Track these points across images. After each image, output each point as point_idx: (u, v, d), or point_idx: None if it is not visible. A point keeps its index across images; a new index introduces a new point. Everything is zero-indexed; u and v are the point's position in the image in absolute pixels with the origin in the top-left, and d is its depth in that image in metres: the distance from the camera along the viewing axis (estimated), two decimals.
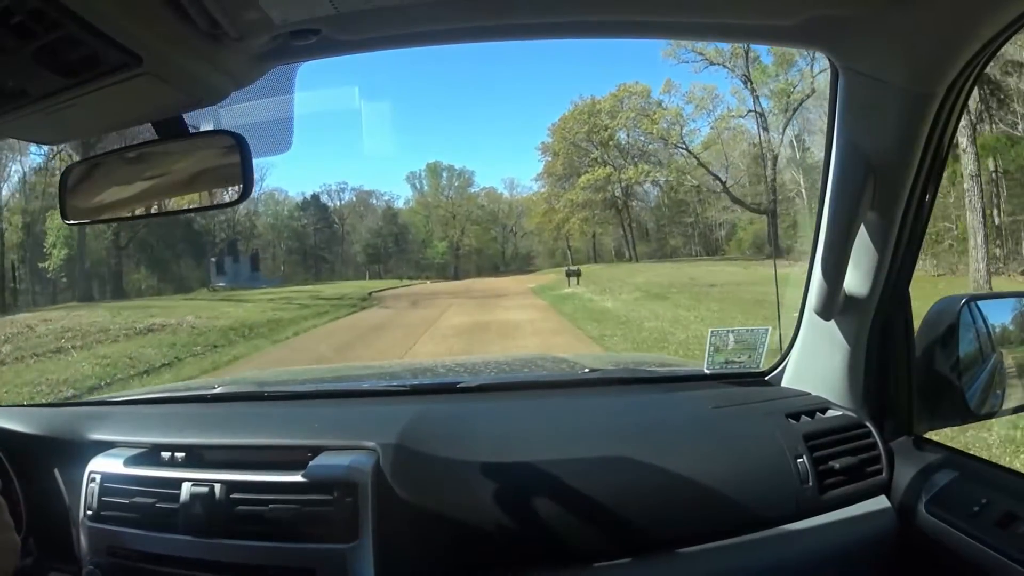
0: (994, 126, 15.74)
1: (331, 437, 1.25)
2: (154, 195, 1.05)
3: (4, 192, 23.13)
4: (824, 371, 1.41)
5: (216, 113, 1.03)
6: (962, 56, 1.01)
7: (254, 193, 1.01)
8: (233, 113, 1.05)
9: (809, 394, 1.44)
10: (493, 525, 1.15)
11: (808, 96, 23.43)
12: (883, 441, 1.31)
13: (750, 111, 26.30)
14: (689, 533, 1.18)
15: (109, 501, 1.22)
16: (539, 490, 1.16)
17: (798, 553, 1.20)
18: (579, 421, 1.37)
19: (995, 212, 15.92)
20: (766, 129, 25.75)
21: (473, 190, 36.35)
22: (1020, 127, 15.67)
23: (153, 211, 1.07)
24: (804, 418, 1.35)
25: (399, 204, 36.83)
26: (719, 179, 28.94)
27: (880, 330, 1.30)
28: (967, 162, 13.43)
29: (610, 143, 30.47)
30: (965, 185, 13.57)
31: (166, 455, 1.25)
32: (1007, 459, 3.78)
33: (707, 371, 1.57)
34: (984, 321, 1.31)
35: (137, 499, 1.20)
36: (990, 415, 1.31)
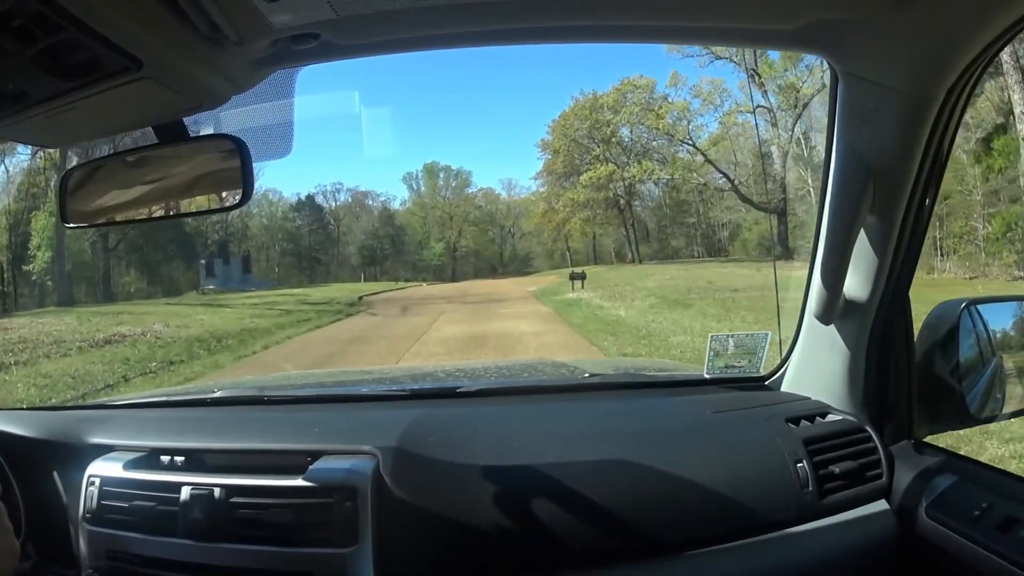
0: None
1: (331, 441, 1.25)
2: (154, 199, 1.05)
3: None
4: (824, 375, 1.40)
5: (216, 117, 1.03)
6: (961, 60, 1.01)
7: None
8: (233, 117, 1.05)
9: (809, 398, 1.44)
10: (493, 530, 1.14)
11: (817, 92, 22.66)
12: (883, 445, 1.31)
13: (759, 106, 25.49)
14: (689, 538, 1.17)
15: (108, 505, 1.22)
16: (539, 495, 1.16)
17: (798, 557, 1.19)
18: (579, 426, 1.37)
19: None
20: (775, 125, 24.77)
21: (470, 191, 36.07)
22: None
23: (153, 215, 1.07)
24: (804, 422, 1.34)
25: (395, 205, 36.54)
26: (727, 177, 27.88)
27: (880, 334, 1.30)
28: None
29: (612, 139, 29.49)
30: None
31: (165, 459, 1.25)
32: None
33: (707, 376, 1.57)
34: (984, 325, 1.31)
35: (136, 503, 1.20)
36: (990, 419, 1.31)
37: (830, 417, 1.37)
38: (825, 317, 1.33)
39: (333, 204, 35.60)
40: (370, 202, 36.23)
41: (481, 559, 1.15)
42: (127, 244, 26.22)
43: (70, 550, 1.26)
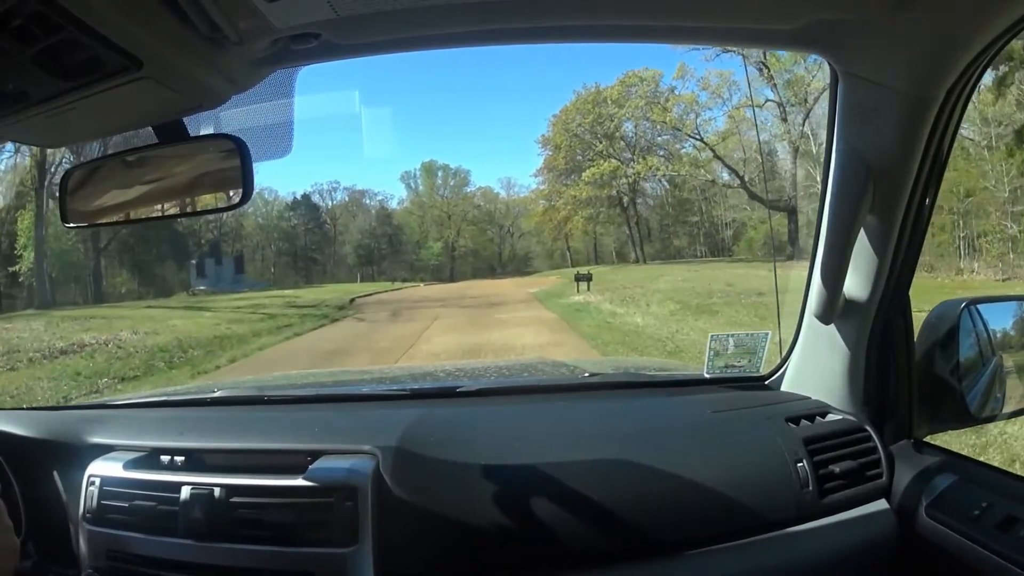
0: None
1: (331, 441, 1.25)
2: (154, 199, 1.05)
3: None
4: (824, 375, 1.41)
5: (216, 117, 1.03)
6: (961, 60, 1.01)
7: None
8: (233, 117, 1.05)
9: (809, 398, 1.44)
10: (493, 529, 1.14)
11: (827, 87, 22.07)
12: (883, 445, 1.31)
13: (768, 100, 23.62)
14: (689, 537, 1.17)
15: (108, 505, 1.22)
16: (539, 494, 1.16)
17: (798, 557, 1.19)
18: (579, 425, 1.37)
19: None
20: (784, 120, 23.36)
21: (469, 190, 35.56)
22: None
23: (153, 215, 1.07)
24: (804, 422, 1.34)
25: (393, 204, 35.97)
26: (736, 173, 26.34)
27: (880, 334, 1.30)
28: None
29: (616, 134, 28.27)
30: None
31: (166, 459, 1.25)
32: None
33: (707, 375, 1.57)
34: (984, 325, 1.31)
35: (136, 503, 1.20)
36: (990, 419, 1.31)
37: (830, 417, 1.37)
38: (825, 317, 1.33)
39: (330, 203, 35.15)
40: (367, 201, 35.79)
41: (481, 559, 1.15)
42: (118, 244, 25.63)
43: (70, 550, 1.26)
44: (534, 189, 32.87)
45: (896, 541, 1.23)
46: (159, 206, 1.06)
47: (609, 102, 27.97)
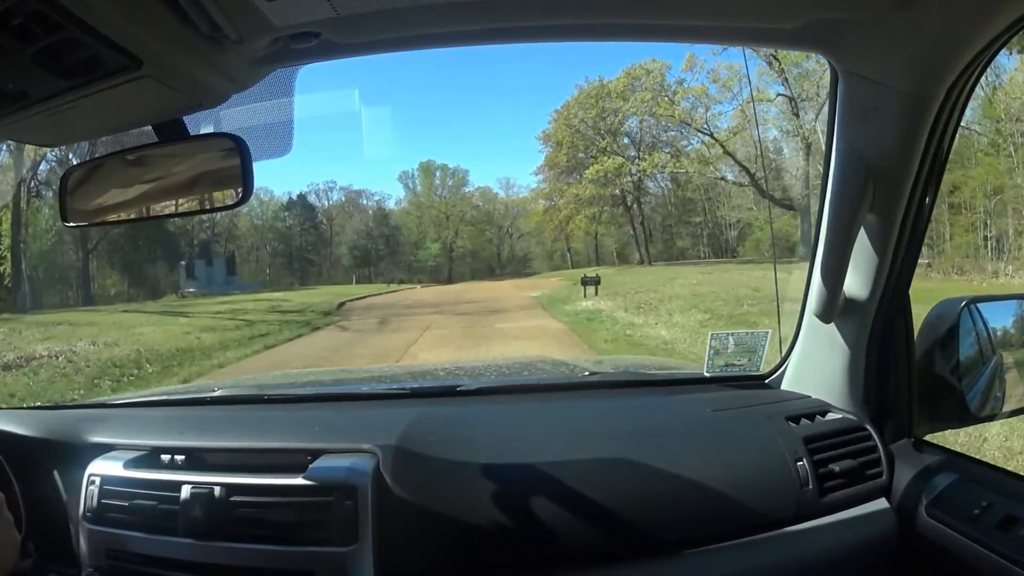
0: None
1: (331, 440, 1.25)
2: (154, 198, 1.05)
3: None
4: (824, 374, 1.41)
5: (216, 116, 1.03)
6: (961, 59, 1.01)
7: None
8: (233, 116, 1.05)
9: (809, 397, 1.44)
10: (493, 528, 1.14)
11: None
12: (883, 444, 1.31)
13: (779, 95, 22.27)
14: (689, 536, 1.18)
15: (109, 504, 1.22)
16: (539, 493, 1.16)
17: (798, 556, 1.19)
18: (579, 424, 1.37)
19: None
20: (796, 115, 21.90)
21: (467, 190, 35.40)
22: None
23: (153, 214, 1.07)
24: (804, 421, 1.35)
25: (390, 204, 35.78)
26: (747, 171, 24.78)
27: (880, 333, 1.30)
28: None
29: (620, 130, 27.09)
30: None
31: (166, 458, 1.25)
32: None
33: (707, 374, 1.57)
34: (984, 323, 1.31)
35: (137, 502, 1.20)
36: (990, 417, 1.31)
37: (830, 415, 1.37)
38: (825, 316, 1.33)
39: (326, 203, 34.88)
40: (364, 201, 35.56)
41: (481, 557, 1.15)
42: (108, 244, 25.18)
43: (70, 549, 1.26)
44: (534, 188, 32.14)
45: (896, 540, 1.23)
46: (159, 205, 1.06)
47: (613, 96, 26.87)
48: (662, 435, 1.34)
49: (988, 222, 17.15)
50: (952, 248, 17.99)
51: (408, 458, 1.20)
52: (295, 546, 1.12)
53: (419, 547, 1.15)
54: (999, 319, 1.34)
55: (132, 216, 1.09)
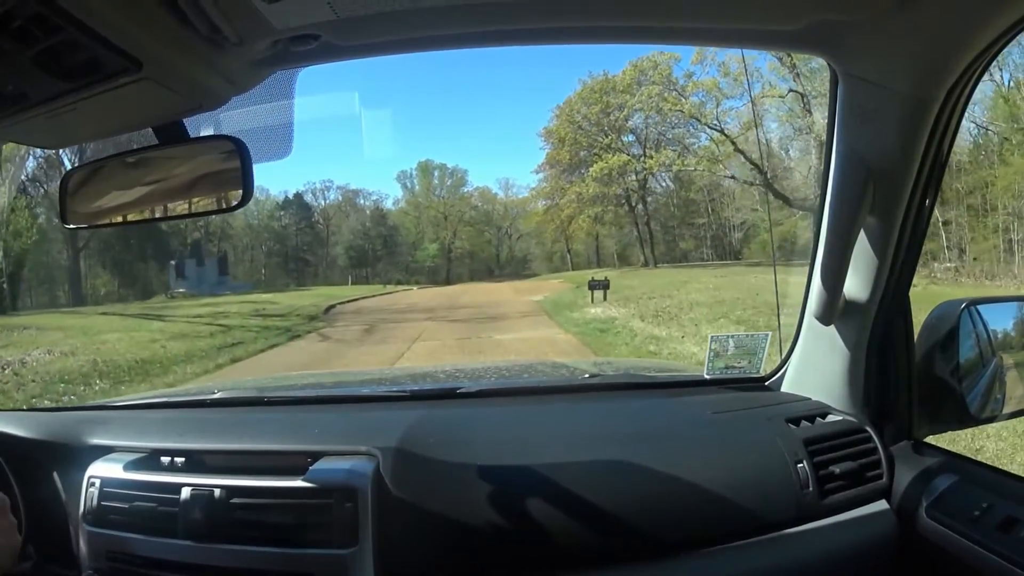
0: None
1: (331, 442, 1.25)
2: (154, 200, 1.05)
3: None
4: (824, 376, 1.41)
5: (216, 118, 1.03)
6: (961, 61, 1.01)
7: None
8: (233, 118, 1.05)
9: (809, 399, 1.44)
10: (493, 530, 1.14)
11: None
12: (883, 445, 1.31)
13: (791, 90, 21.20)
14: (689, 538, 1.17)
15: (109, 506, 1.22)
16: (539, 495, 1.16)
17: (798, 558, 1.19)
18: (579, 426, 1.37)
19: None
20: (809, 112, 20.77)
21: (466, 190, 34.84)
22: None
23: (153, 216, 1.07)
24: (804, 423, 1.34)
25: (388, 204, 35.21)
26: (759, 169, 22.97)
27: (880, 335, 1.30)
28: None
29: (626, 126, 25.72)
30: None
31: (166, 460, 1.25)
32: None
33: (707, 376, 1.56)
34: (984, 325, 1.31)
35: (137, 504, 1.20)
36: (990, 419, 1.31)
37: (830, 417, 1.37)
38: (825, 318, 1.33)
39: (322, 203, 34.32)
40: (361, 201, 35.04)
41: (481, 560, 1.15)
42: (99, 243, 24.47)
43: (70, 551, 1.26)
44: (534, 187, 31.03)
45: (896, 542, 1.22)
46: (159, 207, 1.06)
47: (618, 90, 25.54)
48: (662, 437, 1.34)
49: (1016, 224, 16.76)
50: (979, 251, 17.60)
51: (408, 460, 1.20)
52: (295, 548, 1.12)
53: (419, 549, 1.15)
54: (999, 321, 1.34)
55: (132, 218, 1.09)
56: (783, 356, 1.54)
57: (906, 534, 1.22)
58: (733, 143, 23.66)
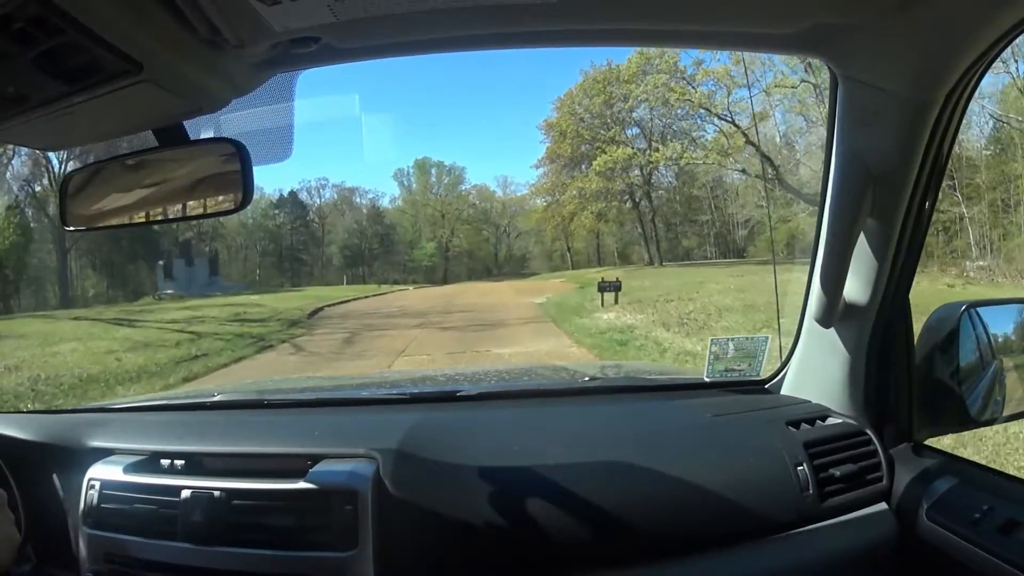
0: None
1: (331, 445, 1.25)
2: (154, 202, 1.05)
3: None
4: (824, 379, 1.41)
5: (216, 120, 1.03)
6: (961, 63, 1.01)
7: None
8: (233, 120, 1.05)
9: (809, 402, 1.44)
10: (493, 533, 1.14)
11: None
12: (883, 448, 1.31)
13: (803, 81, 20.58)
14: (689, 541, 1.17)
15: (108, 508, 1.22)
16: (539, 498, 1.16)
17: (798, 560, 1.19)
18: (579, 429, 1.37)
19: None
20: (824, 102, 19.10)
21: (464, 188, 34.52)
22: None
23: (153, 218, 1.07)
24: (804, 426, 1.34)
25: (384, 202, 34.85)
26: (771, 162, 21.84)
27: (880, 337, 1.30)
28: None
29: (631, 118, 24.60)
30: None
31: (165, 462, 1.25)
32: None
33: (707, 379, 1.57)
34: (984, 328, 1.30)
35: (136, 506, 1.20)
36: (990, 422, 1.31)
37: (830, 420, 1.37)
38: (825, 320, 1.33)
39: (318, 201, 33.90)
40: (358, 199, 34.66)
41: (481, 562, 1.15)
42: (88, 243, 24.06)
43: (70, 553, 1.26)
44: (534, 183, 29.69)
45: (896, 544, 1.23)
46: (159, 210, 1.06)
47: (622, 80, 24.25)
48: (662, 440, 1.34)
49: None
50: (1010, 249, 17.29)
51: (408, 463, 1.20)
52: (295, 551, 1.12)
53: (419, 552, 1.15)
54: (999, 324, 1.34)
55: (132, 220, 1.09)
56: (783, 359, 1.54)
57: (906, 537, 1.22)
58: (744, 135, 22.77)
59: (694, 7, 0.99)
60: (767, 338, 1.56)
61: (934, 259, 17.39)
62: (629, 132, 25.37)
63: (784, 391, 1.52)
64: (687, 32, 1.10)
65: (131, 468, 1.25)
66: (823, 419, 1.37)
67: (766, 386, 1.56)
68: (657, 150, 24.61)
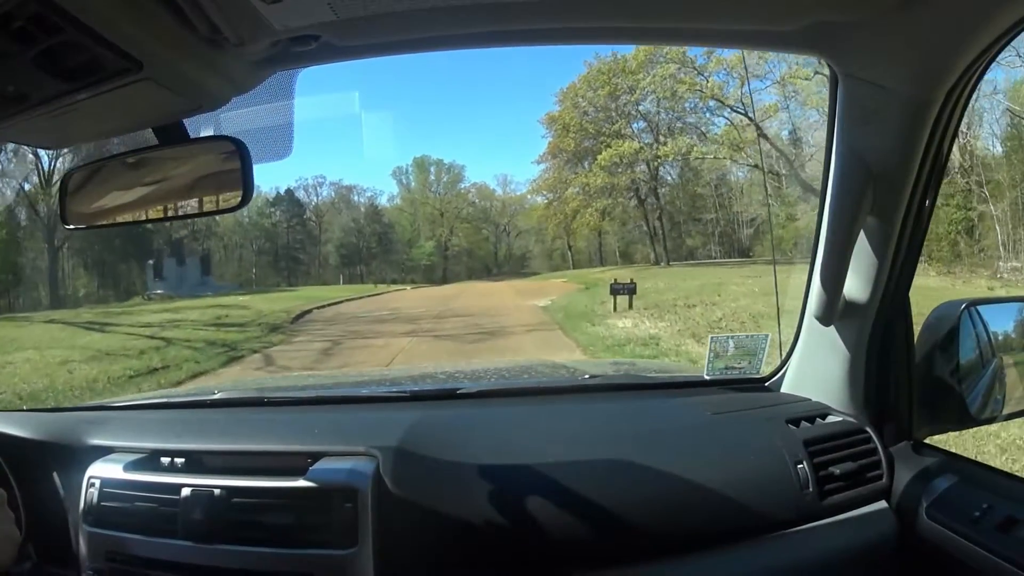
0: None
1: (331, 443, 1.25)
2: (154, 200, 1.05)
3: None
4: (824, 377, 1.41)
5: (216, 118, 1.03)
6: (961, 62, 1.01)
7: None
8: (233, 119, 1.05)
9: (809, 400, 1.44)
10: (493, 531, 1.14)
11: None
12: (883, 446, 1.31)
13: (816, 72, 19.12)
14: (688, 539, 1.17)
15: (108, 506, 1.22)
16: (539, 496, 1.16)
17: (798, 558, 1.19)
18: (579, 427, 1.37)
19: None
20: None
21: (463, 186, 34.02)
22: None
23: (153, 216, 1.07)
24: (804, 424, 1.35)
25: (383, 201, 34.40)
26: (786, 157, 21.05)
27: (880, 335, 1.31)
28: None
29: (638, 110, 23.44)
30: None
31: (165, 460, 1.25)
32: None
33: (707, 377, 1.57)
34: (984, 326, 1.31)
35: (136, 504, 1.20)
36: (990, 420, 1.31)
37: (830, 418, 1.37)
38: (825, 318, 1.33)
39: (315, 199, 33.30)
40: (355, 197, 34.11)
41: (481, 560, 1.15)
42: (80, 242, 23.49)
43: (70, 551, 1.26)
44: (535, 179, 28.69)
45: (896, 542, 1.23)
46: (159, 208, 1.06)
47: (628, 71, 23.05)
48: (662, 438, 1.34)
49: None
50: None
51: (408, 461, 1.20)
52: (295, 549, 1.12)
53: (419, 550, 1.15)
54: (999, 322, 1.34)
55: (132, 219, 1.09)
56: (783, 357, 1.54)
57: (906, 535, 1.22)
58: (758, 127, 21.74)
59: (694, 5, 0.99)
60: (767, 336, 1.56)
61: (963, 260, 17.13)
62: (635, 126, 24.40)
63: (784, 389, 1.52)
64: (687, 30, 1.10)
65: (131, 466, 1.25)
66: (823, 417, 1.37)
67: (766, 384, 1.56)
68: (665, 144, 23.60)
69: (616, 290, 12.27)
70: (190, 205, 1.04)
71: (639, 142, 23.59)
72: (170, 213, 1.07)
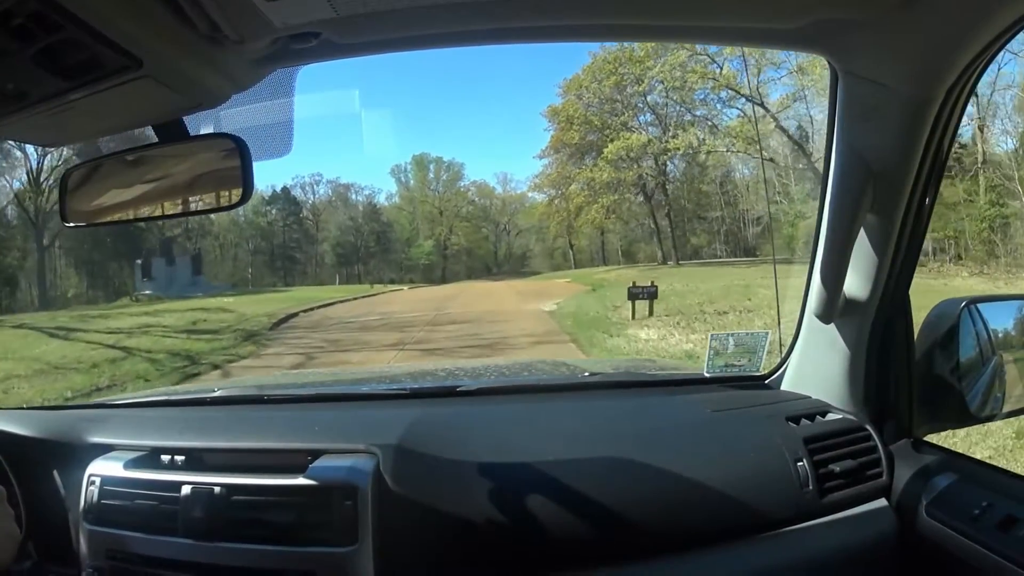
0: None
1: (331, 440, 1.25)
2: (154, 198, 1.05)
3: None
4: (824, 374, 1.41)
5: (216, 116, 1.03)
6: (962, 60, 1.01)
7: None
8: (233, 116, 1.05)
9: (809, 397, 1.44)
10: (493, 529, 1.14)
11: None
12: (883, 444, 1.31)
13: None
14: (688, 536, 1.18)
15: (109, 504, 1.22)
16: (539, 493, 1.16)
17: (798, 557, 1.19)
18: (579, 425, 1.37)
19: None
20: None
21: (463, 184, 33.82)
22: None
23: (153, 214, 1.07)
24: (804, 421, 1.35)
25: (381, 199, 34.10)
26: (803, 150, 20.26)
27: (880, 333, 1.31)
28: None
29: (646, 99, 22.25)
30: None
31: (166, 458, 1.25)
32: None
33: (707, 375, 1.57)
34: (984, 324, 1.30)
35: (137, 502, 1.20)
36: (990, 418, 1.31)
37: (830, 416, 1.37)
38: (825, 316, 1.33)
39: (312, 198, 33.03)
40: (354, 196, 33.93)
41: (481, 557, 1.15)
42: (69, 241, 23.14)
43: (70, 549, 1.26)
44: (537, 175, 27.55)
45: (896, 540, 1.23)
46: (159, 205, 1.06)
47: (636, 59, 21.79)
48: (662, 436, 1.34)
49: None
50: None
51: (408, 458, 1.20)
52: (295, 546, 1.12)
53: (419, 547, 1.15)
54: (999, 320, 1.34)
55: (132, 216, 1.09)
56: (783, 354, 1.54)
57: (906, 532, 1.22)
58: (774, 118, 20.64)
59: (695, 2, 0.99)
60: (767, 333, 1.56)
61: (996, 258, 16.92)
62: (642, 119, 23.25)
63: (784, 387, 1.52)
64: (688, 27, 1.10)
65: (131, 464, 1.25)
66: (823, 415, 1.37)
67: (766, 382, 1.56)
68: (675, 136, 22.38)
69: (635, 294, 10.98)
70: (190, 202, 1.04)
71: (648, 135, 22.48)
72: (170, 211, 1.07)
